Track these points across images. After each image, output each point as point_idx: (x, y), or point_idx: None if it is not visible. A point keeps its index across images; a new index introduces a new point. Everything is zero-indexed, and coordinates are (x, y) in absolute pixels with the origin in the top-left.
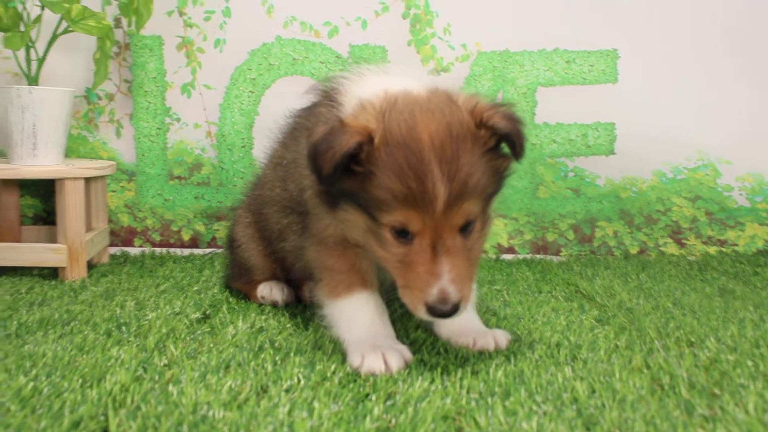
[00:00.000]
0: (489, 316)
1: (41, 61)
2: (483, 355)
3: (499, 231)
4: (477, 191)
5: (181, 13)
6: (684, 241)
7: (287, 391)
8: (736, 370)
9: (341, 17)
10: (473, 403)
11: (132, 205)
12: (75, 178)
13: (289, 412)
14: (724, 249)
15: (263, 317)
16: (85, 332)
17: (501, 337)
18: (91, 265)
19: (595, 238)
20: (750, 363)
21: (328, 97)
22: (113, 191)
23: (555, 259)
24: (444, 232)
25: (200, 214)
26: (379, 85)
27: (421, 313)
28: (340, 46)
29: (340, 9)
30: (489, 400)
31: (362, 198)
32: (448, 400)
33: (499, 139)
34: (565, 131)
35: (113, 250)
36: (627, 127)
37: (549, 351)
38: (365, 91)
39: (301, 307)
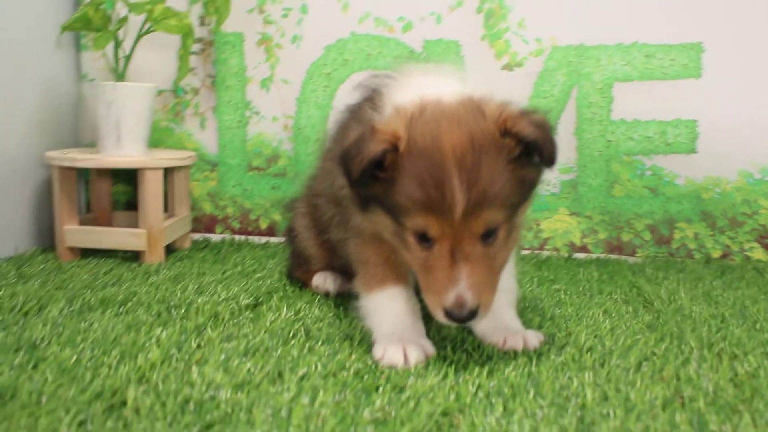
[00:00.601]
0: (535, 316)
1: (128, 58)
2: (508, 355)
3: (572, 229)
4: (498, 200)
5: (261, 11)
6: None
7: (301, 378)
8: None
9: (415, 12)
10: (477, 402)
11: (214, 193)
12: (154, 168)
13: (293, 398)
14: None
15: (310, 306)
16: (138, 312)
17: (532, 338)
18: (172, 250)
19: (674, 240)
20: None
21: (371, 98)
22: (197, 180)
23: (630, 259)
24: (463, 239)
25: (277, 204)
26: (418, 90)
27: (440, 317)
28: (414, 41)
29: (415, 4)
30: (494, 399)
31: (387, 203)
32: (452, 397)
33: (527, 147)
34: (642, 128)
35: (197, 236)
36: (711, 124)
37: (577, 355)
38: (403, 96)
39: (351, 298)
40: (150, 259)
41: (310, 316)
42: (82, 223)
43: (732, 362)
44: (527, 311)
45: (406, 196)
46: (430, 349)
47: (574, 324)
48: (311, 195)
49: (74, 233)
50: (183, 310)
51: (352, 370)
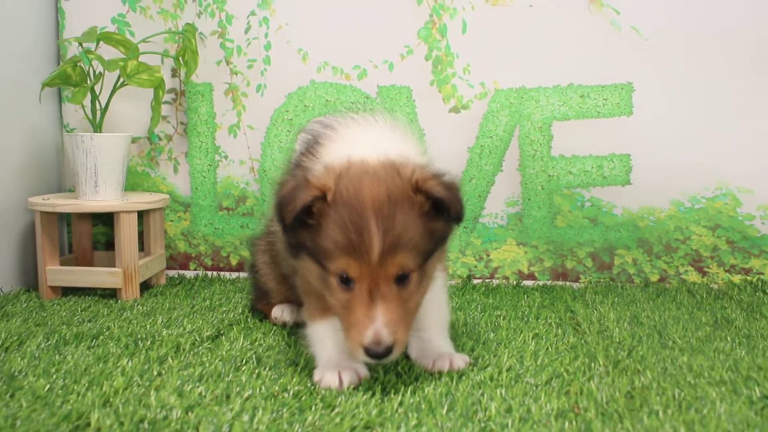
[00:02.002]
0: (468, 341)
1: (104, 110)
2: (433, 376)
3: (519, 258)
4: (410, 246)
5: (227, 62)
6: (706, 270)
7: (245, 399)
8: (657, 397)
9: (369, 61)
10: (395, 416)
11: (187, 233)
12: (129, 212)
13: (235, 417)
14: (749, 277)
15: (264, 336)
16: (108, 345)
17: (458, 360)
18: (148, 286)
19: (615, 266)
20: (677, 391)
21: (311, 147)
22: (171, 221)
23: (574, 285)
24: (380, 280)
25: (246, 242)
26: (349, 148)
27: (360, 355)
28: (369, 87)
29: (369, 53)
30: (410, 414)
31: (314, 248)
32: (375, 412)
33: (436, 204)
34: (580, 163)
35: (172, 272)
36: (643, 158)
37: (496, 374)
38: (337, 150)
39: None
40: (126, 296)
41: (263, 344)
42: (64, 263)
43: (632, 377)
44: (463, 336)
45: (330, 240)
46: (363, 372)
47: (503, 347)
48: (269, 233)
49: (55, 273)
50: (149, 342)
51: (291, 392)
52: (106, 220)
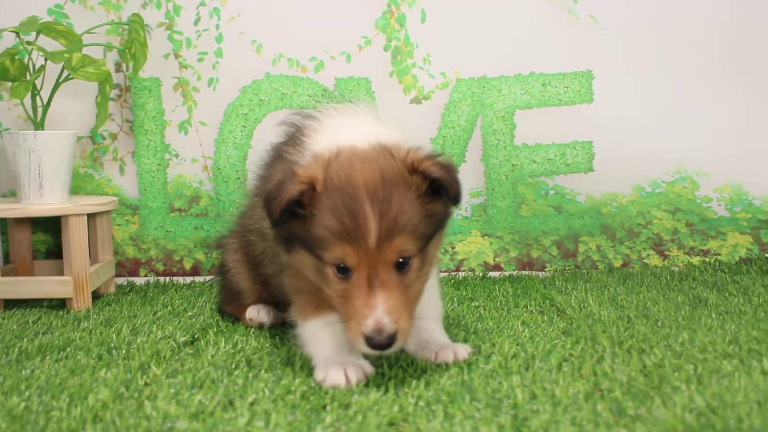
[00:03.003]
0: (459, 331)
1: (46, 107)
2: (440, 367)
3: (485, 249)
4: (408, 229)
5: (176, 56)
6: (666, 253)
7: (251, 404)
8: (675, 373)
9: (326, 52)
10: (419, 411)
11: (136, 237)
12: (78, 215)
13: (248, 422)
14: (707, 258)
15: (246, 339)
16: (78, 357)
17: (461, 350)
18: (98, 295)
19: (579, 253)
20: (691, 367)
21: (293, 137)
22: (118, 225)
23: (541, 274)
24: (378, 267)
25: (200, 244)
26: (337, 132)
27: (361, 346)
28: (327, 79)
29: (325, 44)
30: (434, 407)
31: (307, 239)
32: (396, 408)
33: (433, 185)
34: (543, 151)
35: (120, 280)
36: (604, 144)
37: (503, 362)
38: (323, 138)
39: (286, 329)
40: (78, 306)
41: (248, 347)
42: (3, 274)
43: (640, 356)
44: (452, 327)
45: (324, 228)
46: (369, 368)
47: (497, 335)
48: (243, 231)
49: None
50: (123, 351)
51: (298, 393)
52: (45, 226)
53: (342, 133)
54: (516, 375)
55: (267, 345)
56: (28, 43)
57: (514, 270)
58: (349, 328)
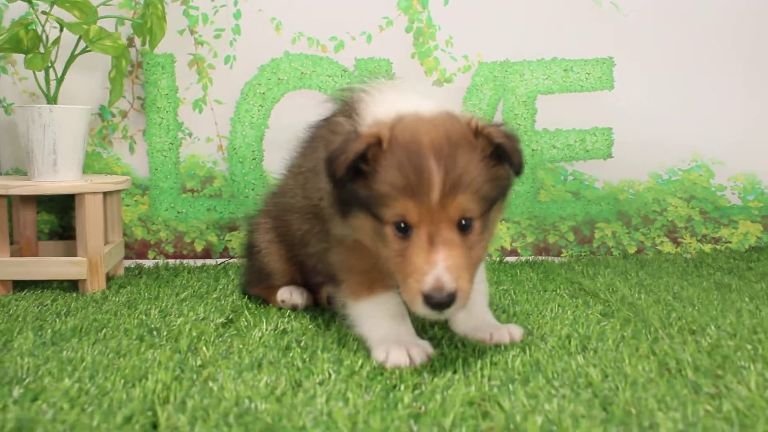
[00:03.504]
0: (499, 314)
1: (60, 80)
2: (499, 348)
3: (502, 234)
4: (472, 187)
5: (192, 32)
6: (680, 240)
7: (320, 384)
8: (736, 353)
9: (347, 32)
10: (495, 390)
11: (146, 218)
12: (94, 193)
13: (326, 402)
14: (718, 246)
15: (285, 320)
16: (119, 338)
17: (515, 331)
18: (108, 278)
19: (595, 239)
20: (749, 347)
21: (346, 110)
22: (127, 205)
23: (557, 260)
24: (441, 224)
25: (213, 226)
26: (395, 104)
27: (419, 305)
28: (346, 60)
29: (346, 24)
30: (510, 386)
31: (368, 198)
32: (472, 388)
33: (496, 151)
34: (564, 137)
35: (128, 262)
36: (623, 131)
37: (560, 342)
38: (381, 109)
39: (320, 311)
40: (92, 288)
41: (292, 328)
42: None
43: (694, 337)
44: (493, 310)
45: (387, 183)
46: (430, 349)
47: (539, 318)
48: (279, 211)
49: (7, 265)
50: (165, 333)
51: (364, 374)
52: (49, 206)
53: (397, 105)
54: (578, 355)
55: (311, 326)
56: (44, 12)
57: (530, 255)
58: (407, 287)
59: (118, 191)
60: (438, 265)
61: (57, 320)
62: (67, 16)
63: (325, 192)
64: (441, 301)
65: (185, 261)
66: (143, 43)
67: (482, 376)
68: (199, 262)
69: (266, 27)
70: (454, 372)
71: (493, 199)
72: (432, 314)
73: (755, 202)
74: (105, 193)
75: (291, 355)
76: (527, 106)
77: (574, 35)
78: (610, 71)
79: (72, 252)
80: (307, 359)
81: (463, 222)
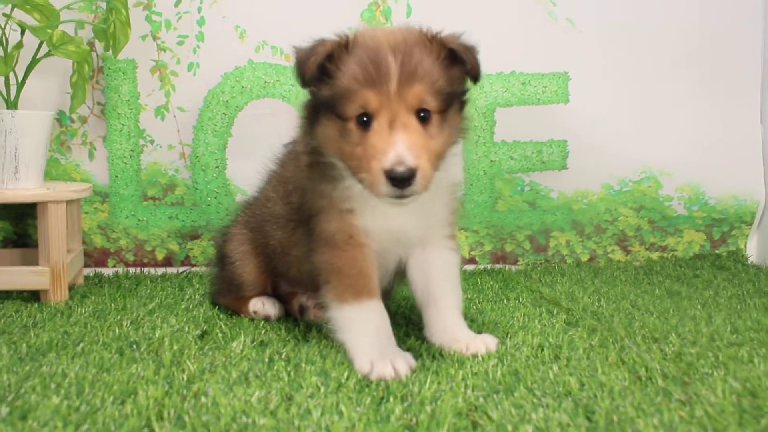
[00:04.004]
0: (468, 323)
1: (21, 85)
2: (477, 358)
3: (461, 243)
4: (427, 79)
5: (154, 38)
6: (630, 248)
7: (311, 397)
8: (699, 361)
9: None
10: (482, 400)
11: (105, 226)
12: (57, 202)
13: (321, 416)
14: (665, 254)
15: (261, 331)
16: (98, 352)
17: (490, 342)
18: (69, 287)
19: (550, 248)
20: (710, 354)
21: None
22: (86, 213)
23: (514, 268)
24: (399, 111)
25: (174, 234)
26: None
27: (381, 185)
28: None
29: (310, 33)
30: (495, 396)
31: (333, 97)
32: (459, 399)
33: (452, 55)
34: (521, 148)
35: (87, 271)
36: (578, 143)
37: (534, 352)
38: None
39: (292, 321)
40: (55, 298)
41: (271, 340)
42: None
43: (659, 345)
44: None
45: (349, 76)
46: (412, 360)
47: (508, 327)
48: (258, 221)
49: None
50: (144, 346)
51: (351, 386)
52: (5, 213)
53: None
54: (553, 364)
55: (288, 337)
56: (5, 15)
57: (488, 263)
58: (370, 170)
59: (79, 199)
60: (398, 144)
61: (28, 333)
62: (27, 19)
63: (304, 164)
64: (403, 175)
65: (146, 269)
66: (106, 49)
67: (466, 386)
68: (160, 271)
69: (230, 35)
70: (439, 383)
71: (449, 94)
72: (394, 193)
73: (699, 212)
74: (67, 202)
75: (275, 368)
76: (486, 118)
77: (532, 50)
78: (566, 85)
79: (29, 261)
80: (292, 372)
81: (422, 114)
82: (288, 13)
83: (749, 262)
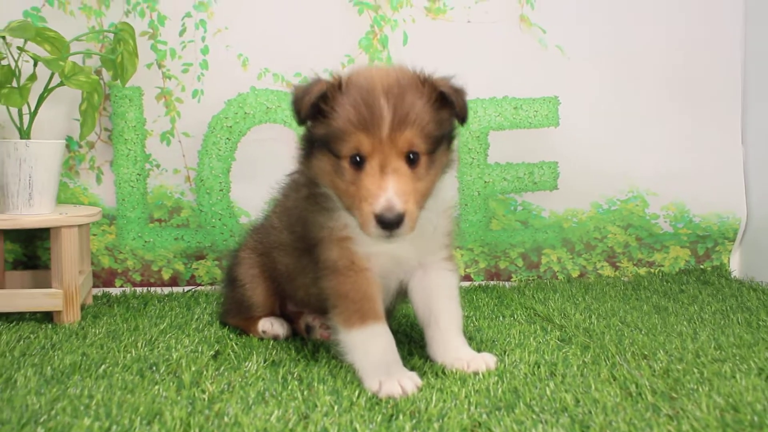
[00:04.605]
0: (468, 341)
1: (33, 115)
2: (478, 376)
3: (457, 261)
4: (418, 124)
5: (160, 66)
6: (618, 264)
7: (326, 415)
8: (685, 377)
9: (310, 69)
10: (485, 416)
11: (112, 247)
12: (70, 226)
13: None
14: (652, 270)
15: (273, 351)
16: (120, 374)
17: (490, 360)
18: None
19: (542, 264)
20: (696, 371)
21: None
22: (94, 235)
23: (507, 284)
24: (391, 155)
25: (180, 254)
26: None
27: (371, 227)
28: None
29: (310, 61)
30: (497, 413)
31: (327, 135)
32: (464, 416)
33: (441, 98)
34: (514, 170)
35: (95, 291)
36: (568, 165)
37: (531, 369)
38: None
39: (300, 340)
40: (67, 319)
41: (283, 360)
42: None
43: (648, 362)
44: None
45: (343, 119)
46: (418, 379)
47: (505, 345)
48: (265, 247)
49: None
50: (163, 368)
51: (362, 404)
52: (15, 236)
53: None
54: (550, 381)
55: (298, 357)
56: (19, 48)
57: (482, 280)
58: (361, 211)
59: (87, 223)
60: (389, 190)
61: (47, 355)
62: (38, 51)
63: (304, 194)
64: (391, 220)
65: (153, 289)
66: (114, 78)
67: (470, 403)
68: (167, 290)
69: (233, 63)
70: (444, 401)
71: (438, 137)
72: (383, 235)
73: (684, 229)
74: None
75: (290, 387)
76: (480, 141)
77: (523, 76)
78: (556, 109)
79: (39, 282)
80: (306, 391)
81: (411, 156)
82: (289, 41)
83: (732, 276)
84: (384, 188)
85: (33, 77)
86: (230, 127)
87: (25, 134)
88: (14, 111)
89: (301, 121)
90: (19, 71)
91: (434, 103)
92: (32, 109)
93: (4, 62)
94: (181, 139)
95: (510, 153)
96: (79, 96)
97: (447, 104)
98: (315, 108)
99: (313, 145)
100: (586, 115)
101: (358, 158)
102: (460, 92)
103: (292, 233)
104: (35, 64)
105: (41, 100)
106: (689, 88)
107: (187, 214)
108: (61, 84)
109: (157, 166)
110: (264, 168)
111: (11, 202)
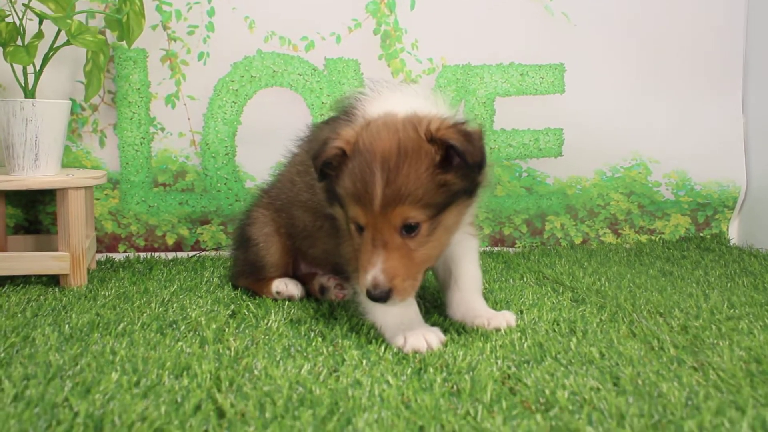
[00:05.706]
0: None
1: (38, 74)
2: (500, 332)
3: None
4: (413, 198)
5: (165, 27)
6: (620, 231)
7: (356, 368)
8: (704, 332)
9: (317, 32)
10: (514, 369)
11: (116, 212)
12: (77, 188)
13: (373, 386)
14: (653, 237)
15: (291, 311)
16: (140, 332)
17: (510, 318)
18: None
19: (545, 231)
20: (714, 327)
21: (346, 111)
22: (97, 199)
23: (512, 250)
24: (383, 229)
25: (184, 219)
26: (385, 105)
27: (364, 294)
28: (317, 59)
29: (316, 25)
30: (525, 366)
31: (338, 195)
32: (494, 368)
33: (449, 152)
34: (519, 136)
35: (98, 256)
36: (573, 132)
37: (551, 326)
38: (373, 110)
39: (314, 300)
40: (75, 282)
41: (302, 319)
42: None
43: (665, 319)
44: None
45: (344, 189)
46: (441, 335)
47: (521, 305)
48: (282, 203)
49: None
50: (183, 326)
51: (389, 358)
52: (16, 200)
53: (387, 105)
54: (572, 337)
55: (317, 316)
56: (24, 5)
57: (487, 246)
58: (358, 278)
59: (90, 186)
60: (376, 266)
61: (61, 315)
62: (42, 9)
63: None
64: (378, 296)
65: (157, 254)
66: (119, 39)
67: (497, 357)
68: (171, 255)
69: (239, 25)
70: (471, 355)
71: (442, 204)
72: (377, 303)
73: (685, 197)
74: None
75: (314, 344)
76: (486, 107)
77: (530, 42)
78: (562, 76)
79: (42, 246)
80: (330, 347)
81: (408, 225)
82: (295, 4)
83: (731, 244)
84: (373, 264)
85: (40, 35)
86: (236, 90)
87: (30, 94)
88: (18, 71)
89: (318, 179)
90: (24, 29)
91: (441, 162)
92: (37, 68)
93: (9, 20)
94: (186, 102)
95: (516, 119)
96: (82, 58)
97: (458, 156)
98: (325, 170)
99: (330, 195)
100: (591, 83)
101: (358, 224)
102: (473, 139)
103: (314, 194)
104: (40, 22)
105: (46, 59)
106: (692, 56)
107: (192, 179)
108: (66, 43)
109: (162, 129)
110: (270, 132)
111: (17, 163)
